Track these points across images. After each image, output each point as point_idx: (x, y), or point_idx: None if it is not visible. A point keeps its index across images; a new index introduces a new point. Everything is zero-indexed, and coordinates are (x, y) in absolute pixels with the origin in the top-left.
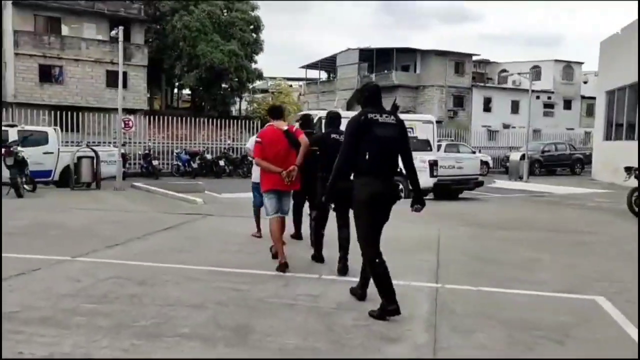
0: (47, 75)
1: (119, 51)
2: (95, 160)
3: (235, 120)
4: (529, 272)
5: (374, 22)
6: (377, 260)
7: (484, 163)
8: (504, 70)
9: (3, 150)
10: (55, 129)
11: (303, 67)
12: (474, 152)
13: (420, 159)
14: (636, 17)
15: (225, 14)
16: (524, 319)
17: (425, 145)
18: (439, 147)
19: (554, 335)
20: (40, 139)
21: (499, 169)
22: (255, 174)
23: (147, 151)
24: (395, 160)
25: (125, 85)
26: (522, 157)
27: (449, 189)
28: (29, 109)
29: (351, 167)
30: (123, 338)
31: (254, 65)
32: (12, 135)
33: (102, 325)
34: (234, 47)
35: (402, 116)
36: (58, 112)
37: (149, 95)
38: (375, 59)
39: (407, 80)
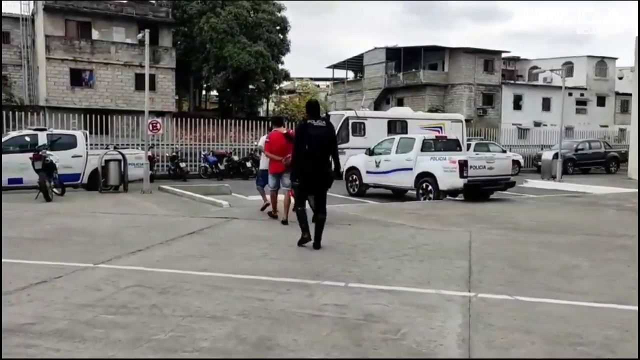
0: (77, 79)
1: (145, 54)
2: (122, 163)
3: (262, 121)
4: (568, 280)
5: (400, 22)
6: (299, 208)
7: (515, 162)
8: (535, 67)
9: (32, 154)
10: (83, 132)
11: (330, 67)
12: (504, 151)
13: (450, 159)
14: None
15: (251, 15)
16: (567, 333)
17: (454, 145)
18: (468, 146)
19: (600, 352)
20: (69, 143)
21: (530, 168)
22: (263, 164)
23: (174, 153)
24: (323, 150)
25: (153, 88)
26: (555, 156)
27: (480, 190)
28: (60, 112)
29: (298, 153)
30: (139, 353)
31: (280, 66)
32: (42, 139)
33: (120, 339)
34: (261, 48)
35: (430, 115)
36: (87, 116)
37: (177, 98)
38: (403, 57)
39: (435, 78)
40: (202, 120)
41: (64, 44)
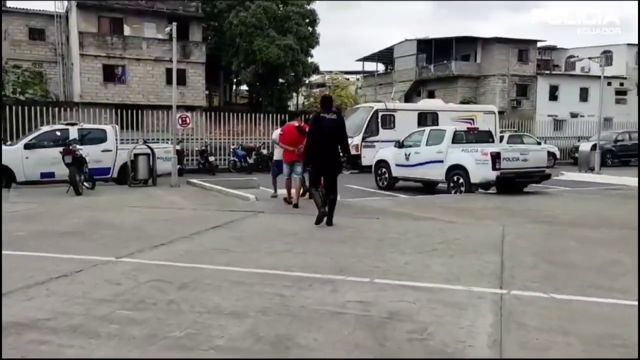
0: (110, 75)
1: (173, 48)
2: (151, 158)
3: (292, 115)
4: (608, 276)
5: (432, 13)
6: (314, 190)
7: (551, 154)
8: (572, 56)
9: (62, 148)
10: (113, 127)
11: (360, 59)
12: (539, 143)
13: (482, 151)
14: None
15: (280, 9)
16: (606, 334)
17: (486, 137)
18: (501, 138)
19: None
20: (99, 137)
21: (566, 160)
22: (277, 155)
23: (203, 147)
24: (334, 140)
25: (184, 83)
26: (593, 147)
27: (513, 183)
28: (94, 108)
29: (311, 142)
30: (153, 351)
31: (309, 60)
32: (73, 133)
33: (135, 335)
34: (290, 42)
35: (462, 106)
36: (119, 111)
37: (208, 93)
38: (434, 49)
39: (468, 70)
40: (231, 114)
41: (96, 41)
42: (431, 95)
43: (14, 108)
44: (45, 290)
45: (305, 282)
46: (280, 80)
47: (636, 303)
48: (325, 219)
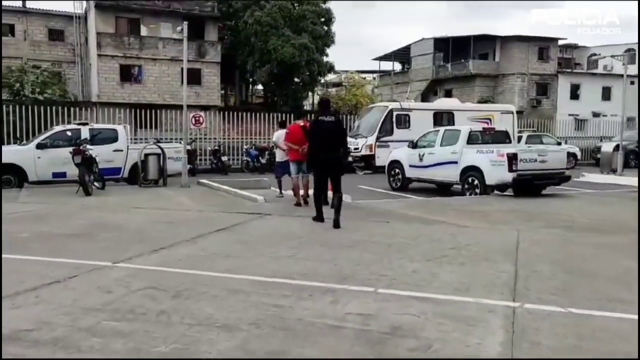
0: (127, 74)
1: (184, 47)
2: (161, 157)
3: (307, 115)
4: (631, 288)
5: (449, 11)
6: (316, 193)
7: (572, 155)
8: (594, 55)
9: (72, 148)
10: (125, 127)
11: (376, 58)
12: (559, 144)
13: (498, 152)
14: None
15: (296, 8)
16: (627, 353)
17: (503, 137)
18: (519, 138)
19: None
20: (111, 137)
21: (588, 161)
22: (279, 156)
23: (216, 147)
24: (334, 141)
25: (199, 82)
26: (616, 148)
27: (531, 185)
28: (111, 108)
29: (313, 145)
30: None
31: (325, 59)
32: (84, 133)
33: (117, 350)
34: (305, 41)
35: (478, 106)
36: (135, 110)
37: (224, 92)
38: (451, 47)
39: (486, 69)
40: (246, 114)
41: (114, 41)
42: (448, 94)
43: (29, 108)
44: (34, 297)
45: (305, 291)
46: (296, 79)
47: None
48: (332, 221)
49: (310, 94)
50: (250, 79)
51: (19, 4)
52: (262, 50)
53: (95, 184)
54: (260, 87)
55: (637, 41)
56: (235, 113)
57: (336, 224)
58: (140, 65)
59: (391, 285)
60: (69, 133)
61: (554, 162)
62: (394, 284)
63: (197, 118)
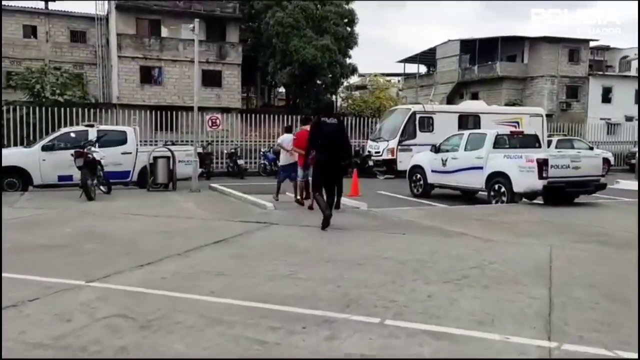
0: (147, 76)
1: (195, 46)
2: (171, 161)
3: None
4: None
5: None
6: (317, 194)
7: (605, 160)
8: (626, 57)
9: (73, 151)
10: (135, 128)
11: (401, 61)
12: (591, 148)
13: (527, 158)
14: None
15: (318, 8)
16: None
17: (532, 141)
18: (549, 143)
19: None
20: (119, 139)
21: (621, 166)
22: (282, 160)
23: (232, 150)
24: (336, 143)
25: (219, 84)
26: None
27: (563, 193)
28: (131, 109)
29: (314, 147)
30: None
31: (348, 60)
32: (92, 135)
33: None
34: (327, 42)
35: (506, 109)
36: (155, 112)
37: (246, 94)
38: (478, 49)
39: (513, 71)
40: (266, 116)
41: (134, 42)
42: (475, 97)
43: (49, 110)
44: None
45: (299, 322)
46: (318, 81)
47: None
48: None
49: (333, 96)
50: (272, 81)
51: (42, 4)
52: (283, 51)
53: (101, 187)
54: (282, 89)
55: None
56: (255, 115)
57: (337, 205)
58: (161, 67)
59: (401, 315)
60: (74, 135)
61: (589, 168)
62: (405, 312)
63: (213, 120)
